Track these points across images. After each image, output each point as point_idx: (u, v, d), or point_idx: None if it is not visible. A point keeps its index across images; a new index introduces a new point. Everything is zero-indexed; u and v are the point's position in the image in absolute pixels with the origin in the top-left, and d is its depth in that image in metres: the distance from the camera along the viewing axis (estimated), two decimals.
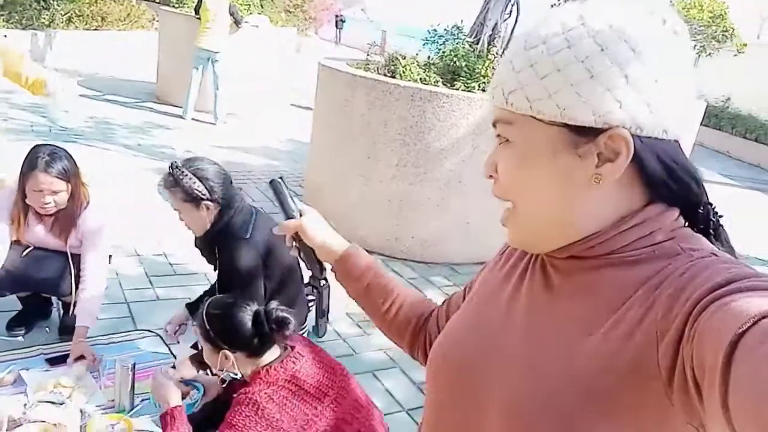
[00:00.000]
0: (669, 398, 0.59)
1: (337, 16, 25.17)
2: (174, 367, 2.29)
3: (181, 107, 7.96)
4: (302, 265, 1.08)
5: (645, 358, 0.61)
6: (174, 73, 8.41)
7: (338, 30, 25.78)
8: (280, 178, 1.12)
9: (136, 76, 9.82)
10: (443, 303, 1.05)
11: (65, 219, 2.66)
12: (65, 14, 10.75)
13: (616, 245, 0.70)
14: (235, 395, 1.90)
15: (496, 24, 5.16)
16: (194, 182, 2.31)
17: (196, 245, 2.57)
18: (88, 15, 11.31)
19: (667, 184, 0.70)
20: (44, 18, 10.26)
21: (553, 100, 0.66)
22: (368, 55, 5.25)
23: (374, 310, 1.07)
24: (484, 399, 0.74)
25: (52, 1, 10.59)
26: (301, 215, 1.07)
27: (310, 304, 2.76)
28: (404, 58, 4.79)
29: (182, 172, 2.31)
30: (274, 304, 2.02)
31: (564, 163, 0.68)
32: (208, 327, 1.95)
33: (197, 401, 2.12)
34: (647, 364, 0.61)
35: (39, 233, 2.69)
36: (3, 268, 2.61)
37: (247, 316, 1.95)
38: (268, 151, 6.86)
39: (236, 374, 1.96)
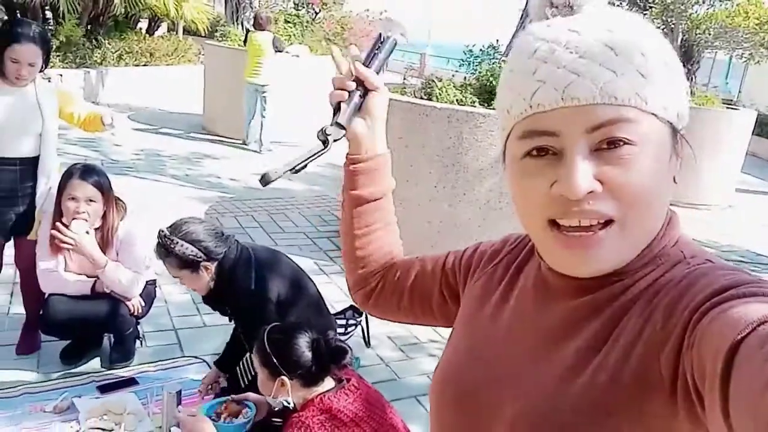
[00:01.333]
0: (673, 407, 0.58)
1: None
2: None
3: (226, 137, 8.23)
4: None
5: (647, 368, 0.60)
6: (219, 104, 8.67)
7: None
8: (393, 38, 0.97)
9: (183, 109, 10.16)
10: (414, 261, 1.02)
11: (101, 238, 2.76)
12: (116, 52, 11.25)
13: (650, 257, 0.68)
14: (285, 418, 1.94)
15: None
16: (186, 248, 2.32)
17: (204, 302, 2.61)
18: (137, 51, 11.82)
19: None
20: (96, 56, 10.76)
21: (675, 99, 0.65)
22: (404, 78, 5.30)
23: (350, 230, 1.01)
24: (489, 423, 0.73)
25: (103, 40, 11.10)
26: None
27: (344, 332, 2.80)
28: (440, 80, 4.82)
29: (171, 240, 2.33)
30: (331, 334, 2.07)
31: (672, 164, 0.66)
32: (268, 350, 1.99)
33: (250, 420, 2.14)
34: (650, 374, 0.60)
35: (80, 258, 2.78)
36: (58, 313, 2.75)
37: (306, 342, 1.98)
38: (310, 177, 6.95)
39: (289, 402, 1.98)
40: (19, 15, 11.14)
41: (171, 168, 6.78)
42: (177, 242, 2.33)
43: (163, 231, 2.38)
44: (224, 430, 2.36)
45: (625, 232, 0.64)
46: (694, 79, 7.91)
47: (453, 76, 5.04)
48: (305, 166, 0.85)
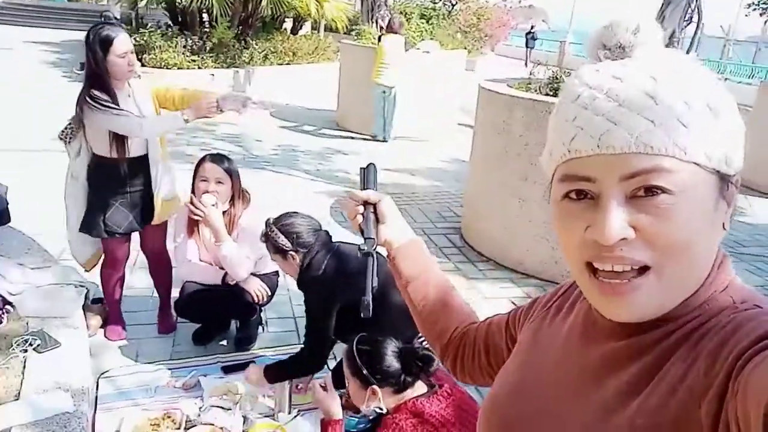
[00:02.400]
0: None
1: (528, 33, 23.35)
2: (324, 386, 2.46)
3: (357, 133, 8.58)
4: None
5: (688, 415, 0.59)
6: (352, 100, 8.99)
7: (529, 49, 22.92)
8: (372, 164, 1.22)
9: (320, 105, 10.63)
10: (484, 321, 1.08)
11: (229, 222, 3.02)
12: (262, 52, 12.00)
13: (698, 303, 0.67)
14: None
15: (673, 32, 4.82)
16: (279, 237, 2.60)
17: (298, 287, 2.78)
18: (281, 51, 12.52)
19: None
20: (245, 56, 11.55)
21: (720, 146, 0.63)
22: (531, 73, 5.18)
23: (417, 303, 1.12)
24: None
25: (251, 41, 11.88)
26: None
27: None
28: (569, 74, 4.65)
29: (271, 229, 2.63)
30: (418, 341, 2.13)
31: (719, 212, 0.65)
32: (358, 362, 2.08)
33: (376, 416, 2.20)
34: (690, 421, 0.59)
35: (210, 243, 3.06)
36: (189, 296, 3.03)
37: (393, 351, 2.06)
38: (432, 172, 7.02)
39: (382, 408, 2.06)
40: (179, 19, 12.24)
41: (304, 163, 7.14)
42: (274, 231, 2.61)
43: (268, 220, 2.68)
44: (352, 424, 2.50)
45: (662, 280, 0.64)
46: None
47: None
48: (375, 282, 1.01)
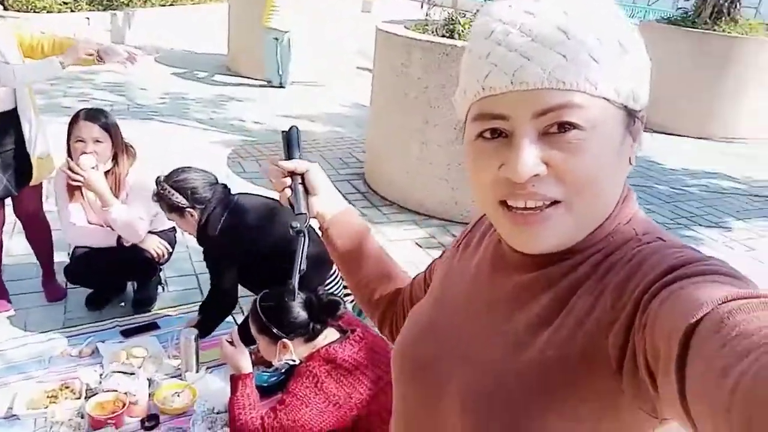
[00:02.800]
0: (619, 385, 0.60)
1: None
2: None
3: (251, 78, 8.25)
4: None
5: (595, 346, 0.61)
6: (244, 44, 8.58)
7: None
8: (295, 127, 1.10)
9: (209, 49, 10.09)
10: (409, 282, 1.06)
11: (114, 181, 2.81)
12: None
13: (602, 236, 0.68)
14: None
15: None
16: (173, 194, 2.50)
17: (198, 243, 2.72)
18: None
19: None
20: None
21: (628, 81, 0.64)
22: (427, 14, 5.13)
23: (353, 274, 1.08)
24: (442, 396, 0.74)
25: None
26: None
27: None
28: (464, 16, 4.65)
29: (163, 187, 2.52)
30: (321, 289, 2.10)
31: (623, 147, 0.66)
32: (264, 320, 2.03)
33: (288, 368, 2.17)
34: (597, 352, 0.61)
35: (96, 205, 2.84)
36: (80, 260, 2.82)
37: (298, 303, 2.02)
38: (332, 118, 6.91)
39: (294, 360, 2.04)
40: None
41: (195, 112, 6.79)
42: (166, 189, 2.50)
43: (159, 178, 2.55)
44: (264, 378, 2.46)
45: (571, 213, 0.65)
46: (738, 6, 7.44)
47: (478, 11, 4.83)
48: (304, 264, 0.93)
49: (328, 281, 2.61)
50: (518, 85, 0.62)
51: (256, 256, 2.54)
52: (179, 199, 2.50)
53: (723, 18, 7.36)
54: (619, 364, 0.59)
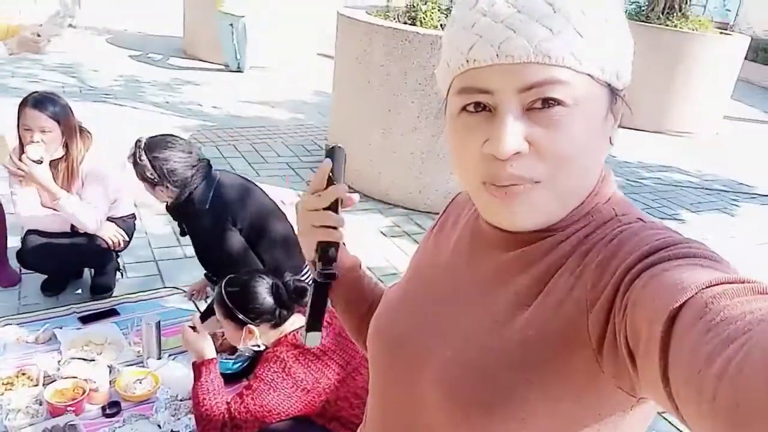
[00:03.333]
0: (598, 365, 0.60)
1: None
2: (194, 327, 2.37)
3: (208, 62, 8.08)
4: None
5: (575, 326, 0.61)
6: (201, 26, 8.40)
7: None
8: (340, 147, 0.89)
9: (163, 32, 9.84)
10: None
11: (66, 168, 2.72)
12: None
13: (581, 214, 0.69)
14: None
15: None
16: (147, 168, 2.41)
17: (167, 211, 2.68)
18: None
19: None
20: None
21: (614, 60, 0.64)
22: (388, 0, 5.12)
23: (359, 317, 0.98)
24: (420, 373, 0.73)
25: None
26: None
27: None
28: (425, 3, 4.66)
29: (140, 157, 2.42)
30: (288, 274, 2.09)
31: (604, 126, 0.65)
32: (229, 305, 2.01)
33: (252, 356, 2.17)
34: (577, 332, 0.61)
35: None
36: (33, 246, 2.73)
37: (265, 288, 2.00)
38: (294, 105, 6.84)
39: (259, 346, 2.02)
40: None
41: (151, 95, 6.63)
42: (143, 159, 2.42)
43: (139, 142, 2.45)
44: (227, 366, 2.43)
45: (551, 191, 0.65)
46: (689, 2, 7.68)
47: None
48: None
49: (304, 269, 2.61)
50: (504, 58, 0.61)
51: (243, 225, 2.53)
52: (153, 175, 2.42)
53: (675, 14, 7.58)
54: (599, 343, 0.59)
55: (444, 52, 0.69)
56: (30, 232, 2.84)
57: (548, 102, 0.61)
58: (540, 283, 0.67)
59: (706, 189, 5.78)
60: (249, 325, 1.99)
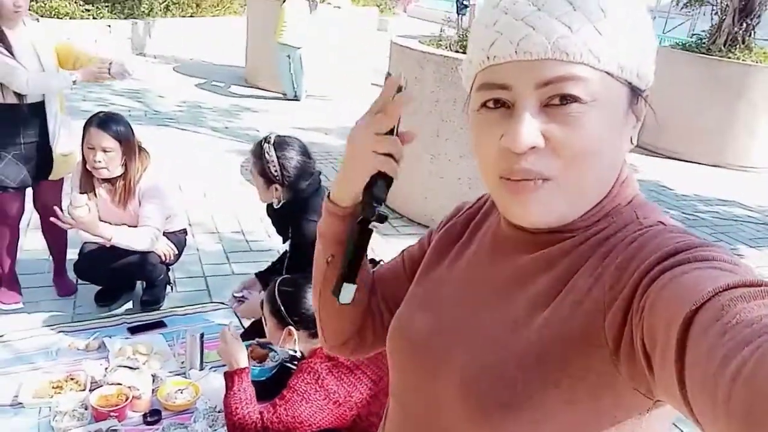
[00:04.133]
0: (615, 366, 0.60)
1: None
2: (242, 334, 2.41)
3: (267, 90, 8.37)
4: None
5: (592, 326, 0.61)
6: (262, 57, 8.70)
7: (460, 15, 22.76)
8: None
9: (227, 61, 10.23)
10: (399, 258, 0.96)
11: (123, 186, 2.84)
12: (163, 3, 11.33)
13: (600, 216, 0.69)
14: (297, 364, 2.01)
15: None
16: (273, 165, 2.42)
17: (267, 213, 2.70)
18: (184, 2, 11.86)
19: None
20: (144, 7, 10.85)
21: (634, 58, 0.64)
22: (441, 30, 5.20)
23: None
24: (439, 373, 0.74)
25: None
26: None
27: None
28: None
29: (268, 150, 2.44)
30: None
31: (624, 124, 0.66)
32: (278, 302, 2.05)
33: (278, 363, 2.18)
34: (594, 332, 0.61)
35: (108, 205, 2.90)
36: (88, 258, 2.87)
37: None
38: (346, 132, 6.78)
39: (296, 351, 2.05)
40: None
41: (211, 120, 6.88)
42: (270, 154, 2.43)
43: (269, 137, 2.49)
44: (253, 374, 2.46)
45: (561, 190, 0.65)
46: (753, 34, 7.46)
47: None
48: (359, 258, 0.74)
49: None
50: (522, 54, 0.62)
51: None
52: (276, 172, 2.43)
53: (737, 45, 7.38)
54: (615, 344, 0.59)
55: (469, 50, 0.70)
56: (87, 244, 2.98)
57: (566, 98, 0.62)
58: (559, 284, 0.67)
59: (767, 224, 5.54)
60: (290, 327, 2.02)
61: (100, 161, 2.72)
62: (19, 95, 2.68)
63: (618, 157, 0.68)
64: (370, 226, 0.73)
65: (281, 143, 2.48)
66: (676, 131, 7.27)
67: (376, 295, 0.95)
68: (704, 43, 7.75)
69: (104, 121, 2.75)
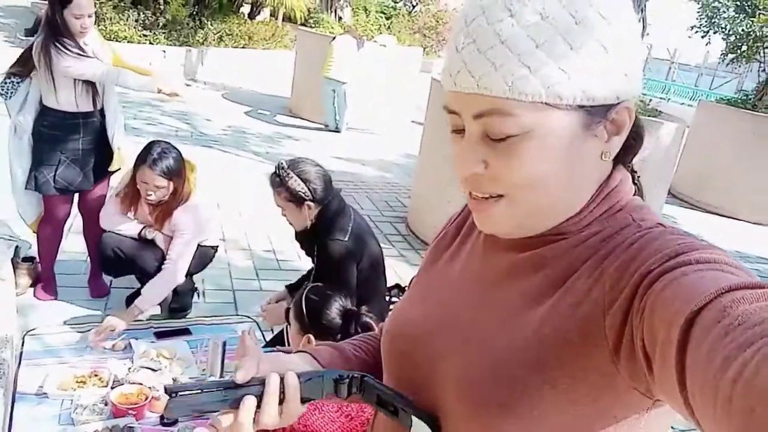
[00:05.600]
0: (615, 366, 0.60)
1: None
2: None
3: (310, 120, 8.57)
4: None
5: (592, 327, 0.61)
6: (307, 88, 8.93)
7: None
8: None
9: (274, 91, 10.53)
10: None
11: (163, 210, 2.96)
12: (217, 33, 11.78)
13: (588, 221, 0.70)
14: None
15: None
16: (298, 184, 2.46)
17: (296, 238, 2.75)
18: (237, 34, 12.31)
19: (627, 145, 0.70)
20: (199, 36, 11.30)
21: (575, 83, 0.61)
22: None
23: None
24: (435, 374, 0.74)
25: (206, 21, 11.65)
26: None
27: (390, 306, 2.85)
28: None
29: (287, 173, 2.47)
30: (364, 308, 2.14)
31: (579, 146, 0.65)
32: (303, 309, 2.08)
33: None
34: (594, 333, 0.61)
35: (145, 214, 3.03)
36: (113, 250, 2.97)
37: (338, 310, 2.06)
38: (382, 164, 7.06)
39: None
40: None
41: (254, 145, 7.06)
42: (291, 176, 2.46)
43: (282, 163, 2.52)
44: None
45: (513, 206, 0.68)
46: None
47: None
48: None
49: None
50: (459, 86, 0.65)
51: (362, 265, 2.57)
52: (303, 189, 2.45)
53: None
54: (616, 345, 0.59)
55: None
56: (105, 232, 3.05)
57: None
58: (554, 284, 0.67)
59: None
60: (309, 335, 2.05)
61: (151, 195, 2.85)
62: (89, 101, 2.88)
63: (584, 175, 0.68)
64: None
65: (294, 163, 2.53)
66: (718, 186, 7.17)
67: None
68: (750, 99, 7.67)
69: (155, 161, 2.82)
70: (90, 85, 2.88)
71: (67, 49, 2.72)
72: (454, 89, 0.65)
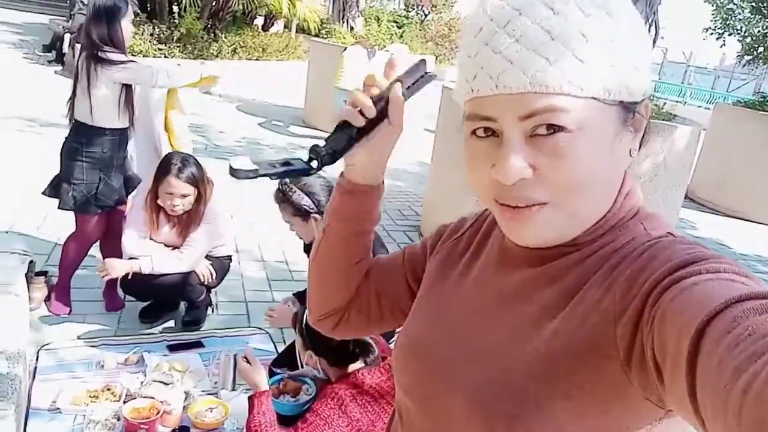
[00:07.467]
0: (627, 376, 0.59)
1: None
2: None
3: (323, 131, 8.58)
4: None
5: (603, 337, 0.61)
6: (321, 99, 8.96)
7: None
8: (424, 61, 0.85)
9: (288, 102, 10.58)
10: (399, 253, 0.97)
11: (188, 219, 3.00)
12: (231, 46, 11.92)
13: (604, 230, 0.68)
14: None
15: None
16: (302, 198, 2.47)
17: (305, 251, 2.74)
18: (251, 46, 12.45)
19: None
20: (213, 49, 11.44)
21: (620, 77, 0.62)
22: None
23: (346, 260, 0.93)
24: (445, 385, 0.73)
25: (220, 34, 11.78)
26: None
27: None
28: None
29: (290, 188, 2.48)
30: None
31: (617, 144, 0.65)
32: (303, 325, 2.07)
33: (312, 396, 2.11)
34: (605, 343, 0.60)
35: (165, 231, 3.05)
36: (134, 278, 2.98)
37: None
38: (394, 172, 7.05)
39: (319, 372, 2.06)
40: (148, 7, 12.05)
41: (267, 155, 7.09)
42: (295, 191, 2.48)
43: (283, 181, 2.53)
44: (287, 408, 2.45)
45: (558, 212, 0.65)
46: None
47: None
48: (282, 175, 0.75)
49: None
50: (502, 88, 0.62)
51: None
52: (307, 203, 2.47)
53: None
54: (627, 355, 0.58)
55: (457, 75, 0.70)
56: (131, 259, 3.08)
57: (551, 128, 0.62)
58: (567, 297, 0.67)
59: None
60: (310, 351, 2.04)
61: (178, 205, 2.89)
62: (128, 117, 2.98)
63: (615, 174, 0.68)
64: (312, 164, 0.76)
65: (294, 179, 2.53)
66: (737, 189, 7.06)
67: (368, 280, 0.95)
68: (767, 101, 7.56)
69: (180, 170, 2.88)
70: (129, 101, 2.95)
71: (116, 61, 2.84)
72: (496, 92, 0.62)
